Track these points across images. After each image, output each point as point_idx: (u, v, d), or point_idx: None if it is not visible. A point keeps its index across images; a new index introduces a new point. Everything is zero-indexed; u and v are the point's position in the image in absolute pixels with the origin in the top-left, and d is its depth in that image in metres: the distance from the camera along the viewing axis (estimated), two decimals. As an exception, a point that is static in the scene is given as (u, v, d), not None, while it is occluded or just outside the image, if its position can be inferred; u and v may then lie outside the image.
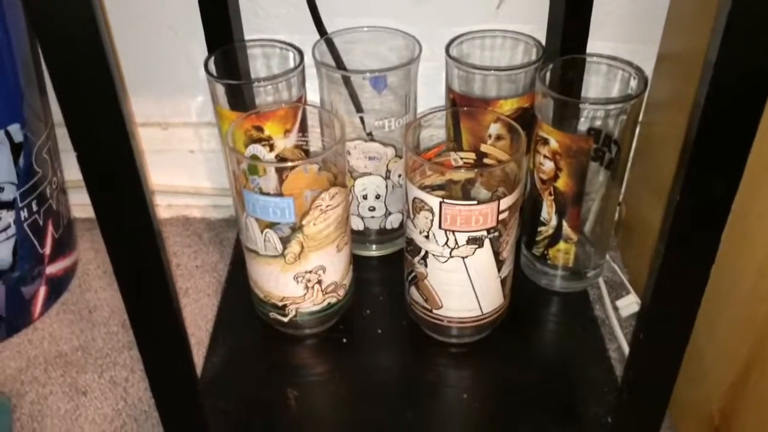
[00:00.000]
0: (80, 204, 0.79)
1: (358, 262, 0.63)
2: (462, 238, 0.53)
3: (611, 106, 0.56)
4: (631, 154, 0.67)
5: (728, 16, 0.30)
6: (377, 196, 0.66)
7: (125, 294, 0.39)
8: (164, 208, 0.82)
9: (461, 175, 0.56)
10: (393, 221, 0.68)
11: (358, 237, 0.68)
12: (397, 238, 0.69)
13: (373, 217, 0.67)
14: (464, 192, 0.57)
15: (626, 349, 0.62)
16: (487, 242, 0.53)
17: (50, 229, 0.67)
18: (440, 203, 0.51)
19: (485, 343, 0.60)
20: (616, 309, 0.66)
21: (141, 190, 0.35)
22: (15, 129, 0.60)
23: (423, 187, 0.54)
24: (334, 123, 0.57)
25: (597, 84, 0.60)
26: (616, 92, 0.60)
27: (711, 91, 0.33)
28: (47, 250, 0.67)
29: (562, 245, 0.63)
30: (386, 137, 0.63)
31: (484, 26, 0.65)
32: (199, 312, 0.69)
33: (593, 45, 0.63)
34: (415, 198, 0.53)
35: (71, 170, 0.76)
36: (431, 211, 0.52)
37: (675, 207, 0.36)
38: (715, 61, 0.32)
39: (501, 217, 0.52)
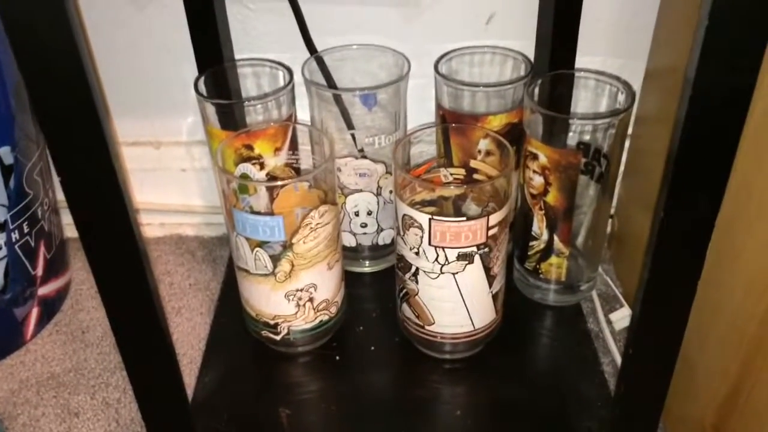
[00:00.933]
0: (73, 224, 0.79)
1: (350, 279, 0.63)
2: (452, 254, 0.53)
3: (599, 121, 0.56)
4: (622, 168, 0.67)
5: (705, 32, 0.30)
6: (369, 213, 0.66)
7: (112, 316, 0.39)
8: (157, 226, 0.82)
9: (451, 191, 0.56)
10: (385, 237, 0.68)
11: (351, 253, 0.68)
12: (389, 254, 0.69)
13: (365, 233, 0.67)
14: (455, 207, 0.57)
15: (620, 362, 0.62)
16: (477, 258, 0.53)
17: (42, 250, 0.67)
18: (429, 220, 0.51)
19: (478, 359, 0.60)
20: (609, 322, 0.66)
21: (126, 213, 0.35)
22: (5, 151, 0.60)
23: (413, 204, 0.54)
24: (324, 141, 0.57)
25: (586, 99, 0.61)
26: (605, 107, 0.60)
27: (691, 109, 0.33)
28: (39, 271, 0.67)
29: (554, 259, 0.63)
30: (376, 154, 0.63)
31: (472, 42, 0.65)
32: (192, 331, 0.69)
33: (581, 60, 0.63)
34: (404, 215, 0.53)
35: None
36: (420, 227, 0.52)
37: (659, 223, 0.36)
38: (694, 79, 0.32)
39: (491, 233, 0.52)
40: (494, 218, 0.52)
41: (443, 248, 0.53)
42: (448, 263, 0.53)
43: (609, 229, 0.72)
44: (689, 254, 0.37)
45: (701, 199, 0.35)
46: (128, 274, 0.37)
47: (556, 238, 0.61)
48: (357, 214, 0.66)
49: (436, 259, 0.53)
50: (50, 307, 0.70)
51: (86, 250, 0.36)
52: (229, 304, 0.68)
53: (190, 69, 0.69)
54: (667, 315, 0.40)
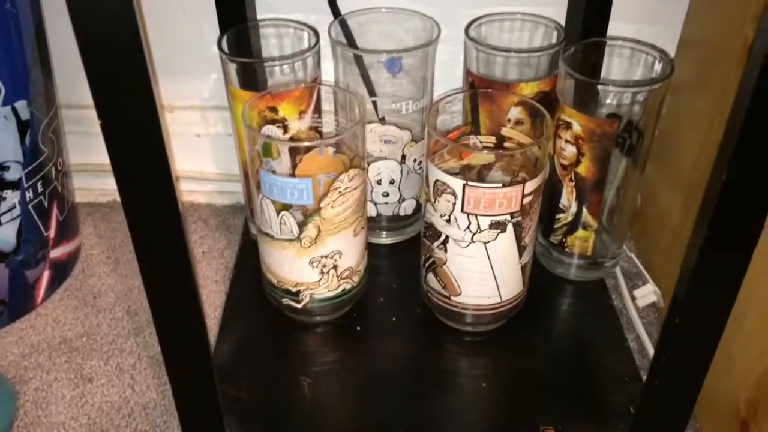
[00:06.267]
0: (83, 188, 0.78)
1: (368, 250, 0.62)
2: (485, 222, 0.51)
3: (636, 89, 0.55)
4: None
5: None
6: (391, 182, 0.65)
7: (145, 274, 0.37)
8: (169, 193, 0.80)
9: (483, 158, 0.55)
10: (406, 207, 0.67)
11: (370, 223, 0.66)
12: (408, 225, 0.68)
13: (386, 203, 0.66)
14: (480, 178, 0.55)
15: (645, 339, 0.61)
16: (510, 227, 0.52)
17: (55, 211, 0.65)
18: (464, 186, 0.50)
19: (502, 332, 0.59)
20: (633, 298, 0.65)
21: (167, 165, 0.34)
22: (22, 106, 0.58)
23: (442, 171, 0.52)
24: (354, 103, 0.55)
25: (620, 68, 0.59)
26: (640, 76, 0.59)
27: (765, 67, 0.31)
28: (51, 233, 0.65)
29: (580, 233, 0.61)
30: (401, 121, 0.62)
31: (503, 8, 0.63)
32: (206, 299, 0.67)
33: (612, 27, 0.62)
34: (437, 180, 0.52)
35: (75, 153, 0.74)
36: (454, 194, 0.51)
37: (720, 186, 0.35)
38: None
39: (525, 201, 0.51)
40: (530, 186, 0.51)
41: (476, 215, 0.51)
42: (480, 231, 0.52)
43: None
44: (749, 216, 0.36)
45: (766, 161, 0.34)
46: (167, 231, 0.36)
47: (585, 210, 0.60)
48: (379, 182, 0.65)
49: (468, 227, 0.52)
50: (61, 271, 0.69)
51: (126, 207, 0.34)
52: (246, 273, 0.66)
53: (208, 31, 0.67)
54: (719, 282, 0.38)
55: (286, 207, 0.53)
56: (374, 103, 0.61)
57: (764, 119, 0.33)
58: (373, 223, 0.67)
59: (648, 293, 0.64)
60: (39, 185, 0.62)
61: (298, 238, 0.54)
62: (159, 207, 0.34)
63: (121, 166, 0.33)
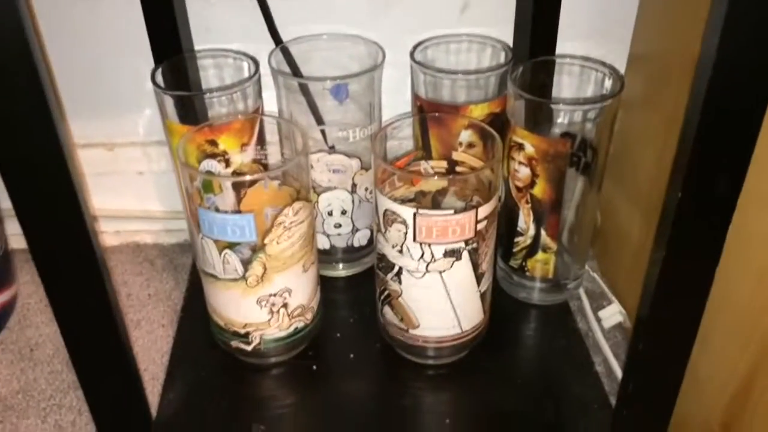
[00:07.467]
0: (19, 234, 0.73)
1: (324, 284, 0.59)
2: (438, 251, 0.49)
3: (588, 107, 0.53)
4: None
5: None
6: (343, 212, 0.62)
7: (66, 333, 0.34)
8: (112, 234, 0.76)
9: (434, 185, 0.53)
10: (360, 238, 0.64)
11: (324, 256, 0.64)
12: (364, 256, 0.65)
13: (339, 234, 0.63)
14: (435, 204, 0.53)
15: (613, 361, 0.59)
16: (465, 254, 0.50)
17: (-16, 261, 0.61)
18: (414, 214, 0.48)
19: (465, 363, 0.57)
20: (599, 320, 0.63)
21: (80, 212, 0.31)
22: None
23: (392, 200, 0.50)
24: (295, 133, 0.53)
25: (570, 86, 0.58)
26: (590, 94, 0.57)
27: (712, 84, 0.30)
28: (-18, 284, 0.61)
29: (540, 255, 0.59)
30: (350, 149, 0.59)
31: (448, 31, 0.62)
32: (153, 345, 0.63)
33: (561, 46, 0.61)
34: (386, 210, 0.49)
35: (7, 198, 0.70)
36: (404, 223, 0.49)
37: (676, 206, 0.33)
38: (717, 52, 0.29)
39: (479, 226, 0.49)
40: (483, 211, 0.49)
41: (429, 244, 0.49)
42: (435, 261, 0.50)
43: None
44: (707, 237, 0.34)
45: (721, 179, 0.32)
46: (84, 286, 0.32)
47: (543, 232, 0.58)
48: (330, 213, 0.62)
49: (422, 257, 0.50)
50: (-5, 324, 0.64)
51: (35, 260, 0.31)
52: (194, 315, 0.63)
53: (145, 63, 0.64)
54: (682, 304, 0.37)
55: (230, 245, 0.50)
56: (323, 132, 0.59)
57: (714, 136, 0.31)
58: (327, 256, 0.65)
59: (613, 314, 0.63)
60: (-35, 234, 0.58)
61: (243, 277, 0.51)
62: (72, 256, 0.31)
63: (25, 212, 0.30)
